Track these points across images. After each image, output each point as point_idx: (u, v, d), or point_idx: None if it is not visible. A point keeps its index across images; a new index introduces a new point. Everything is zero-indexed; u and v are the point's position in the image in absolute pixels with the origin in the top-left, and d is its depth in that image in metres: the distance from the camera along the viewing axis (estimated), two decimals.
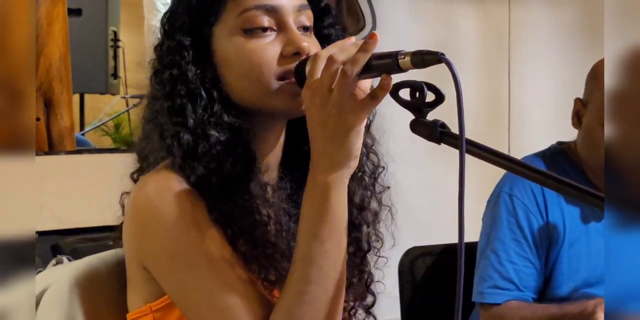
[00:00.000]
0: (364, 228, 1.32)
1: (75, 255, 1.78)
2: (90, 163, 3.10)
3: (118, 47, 4.21)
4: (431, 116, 1.14)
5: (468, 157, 1.08)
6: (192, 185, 1.21)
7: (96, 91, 4.33)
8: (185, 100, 1.23)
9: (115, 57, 4.20)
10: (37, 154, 2.36)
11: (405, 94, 1.13)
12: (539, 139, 2.56)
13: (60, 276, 1.35)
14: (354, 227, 1.29)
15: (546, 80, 3.72)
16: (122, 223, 1.30)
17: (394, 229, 1.36)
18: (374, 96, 1.12)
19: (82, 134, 4.19)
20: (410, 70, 1.12)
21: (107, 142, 4.60)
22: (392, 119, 1.30)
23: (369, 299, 1.37)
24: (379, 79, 1.12)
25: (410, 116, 1.14)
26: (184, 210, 1.19)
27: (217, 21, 1.25)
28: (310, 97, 1.14)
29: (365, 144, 1.19)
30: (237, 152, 1.22)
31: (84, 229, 2.87)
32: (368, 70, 1.12)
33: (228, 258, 1.19)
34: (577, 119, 2.11)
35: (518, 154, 2.12)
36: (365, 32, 3.23)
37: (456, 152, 1.09)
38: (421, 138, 1.14)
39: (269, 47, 1.23)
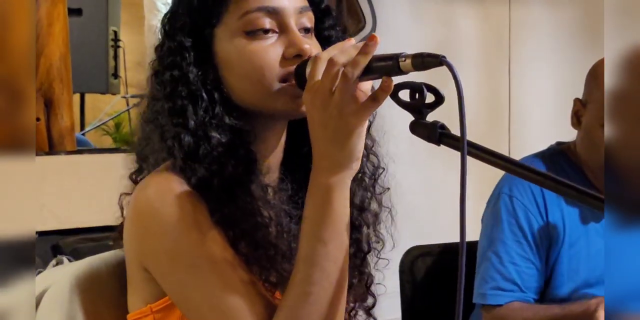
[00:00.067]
0: (364, 229, 1.32)
1: (76, 255, 1.78)
2: (90, 163, 3.10)
3: (118, 47, 4.21)
4: (431, 117, 1.14)
5: (467, 158, 1.08)
6: (193, 187, 1.21)
7: (96, 91, 4.33)
8: (186, 102, 1.23)
9: (116, 57, 4.21)
10: (37, 154, 2.37)
11: (405, 95, 1.13)
12: (539, 139, 2.56)
13: (60, 277, 1.35)
14: (354, 228, 1.29)
15: (546, 80, 3.72)
16: (121, 223, 1.31)
17: (394, 230, 1.36)
18: (375, 98, 1.12)
19: (83, 134, 4.19)
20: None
21: (108, 142, 4.61)
22: (393, 120, 1.31)
23: (370, 301, 1.37)
24: (379, 80, 1.12)
25: (410, 117, 1.14)
26: (185, 211, 1.19)
27: (218, 23, 1.25)
28: (311, 99, 1.14)
29: (365, 146, 1.19)
30: (239, 153, 1.22)
31: (84, 229, 2.88)
32: (369, 72, 1.12)
33: (229, 259, 1.19)
34: (577, 119, 2.11)
35: (518, 154, 2.12)
36: (365, 32, 3.23)
37: (456, 153, 1.09)
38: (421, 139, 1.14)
39: (271, 49, 1.23)
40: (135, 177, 1.33)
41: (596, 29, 3.49)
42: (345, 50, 1.14)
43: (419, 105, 1.13)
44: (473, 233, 2.14)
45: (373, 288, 1.37)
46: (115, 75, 4.24)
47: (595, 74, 2.09)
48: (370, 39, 1.12)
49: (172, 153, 1.22)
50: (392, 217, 1.36)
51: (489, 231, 2.10)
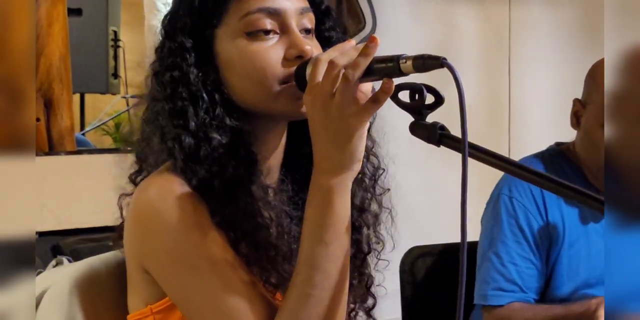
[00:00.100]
0: (364, 230, 1.32)
1: (76, 255, 1.78)
2: (90, 163, 3.10)
3: (118, 47, 4.20)
4: (431, 118, 1.14)
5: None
6: (194, 188, 1.21)
7: (96, 91, 4.33)
8: (186, 103, 1.23)
9: (116, 57, 4.20)
10: (37, 154, 2.37)
11: (404, 96, 1.13)
12: (539, 139, 2.55)
13: (60, 277, 1.35)
14: (354, 229, 1.28)
15: (546, 80, 3.72)
16: (121, 224, 1.31)
17: (394, 231, 1.36)
18: (376, 100, 1.12)
19: (83, 134, 4.19)
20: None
21: (108, 142, 4.60)
22: (393, 121, 1.31)
23: (370, 301, 1.37)
24: (379, 81, 1.12)
25: (410, 118, 1.14)
26: (185, 213, 1.19)
27: (219, 23, 1.25)
28: (312, 101, 1.14)
29: (365, 146, 1.19)
30: (239, 154, 1.22)
31: (85, 229, 2.87)
32: (369, 74, 1.12)
33: (230, 260, 1.19)
34: (576, 119, 2.11)
35: (518, 154, 2.12)
36: (365, 33, 3.23)
37: (456, 153, 1.09)
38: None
39: (272, 50, 1.23)
40: (135, 178, 1.33)
41: (596, 29, 3.49)
42: (346, 51, 1.14)
43: (419, 106, 1.13)
44: (473, 233, 2.14)
45: (373, 289, 1.37)
46: (115, 75, 4.24)
47: (594, 75, 2.09)
48: (371, 41, 1.12)
49: (173, 154, 1.22)
50: (392, 218, 1.36)
51: (489, 232, 2.10)
